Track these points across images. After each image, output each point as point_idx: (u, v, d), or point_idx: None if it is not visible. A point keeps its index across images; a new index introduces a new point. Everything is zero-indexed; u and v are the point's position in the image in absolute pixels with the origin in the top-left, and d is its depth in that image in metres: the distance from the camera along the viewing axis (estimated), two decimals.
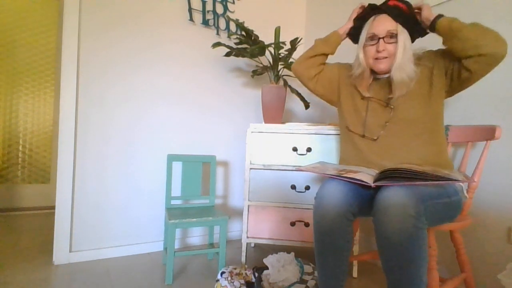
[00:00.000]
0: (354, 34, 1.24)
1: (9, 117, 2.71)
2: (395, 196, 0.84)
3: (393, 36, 1.06)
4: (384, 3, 1.12)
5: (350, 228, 0.99)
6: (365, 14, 1.14)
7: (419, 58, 1.11)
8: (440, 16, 1.02)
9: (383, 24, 1.06)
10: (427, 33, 1.13)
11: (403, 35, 1.06)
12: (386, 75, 1.14)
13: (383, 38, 1.06)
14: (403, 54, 1.05)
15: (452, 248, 1.41)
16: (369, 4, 1.14)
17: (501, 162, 1.29)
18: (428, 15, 1.04)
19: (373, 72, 1.18)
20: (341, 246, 0.98)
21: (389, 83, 1.13)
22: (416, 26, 1.10)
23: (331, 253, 0.99)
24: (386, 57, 1.07)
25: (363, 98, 1.18)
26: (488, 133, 1.19)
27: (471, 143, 1.29)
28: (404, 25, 1.07)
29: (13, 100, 2.72)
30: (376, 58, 1.09)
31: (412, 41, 1.12)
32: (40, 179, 2.84)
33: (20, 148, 2.76)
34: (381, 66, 1.09)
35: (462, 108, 1.42)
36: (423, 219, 0.83)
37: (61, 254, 1.60)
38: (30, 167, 2.80)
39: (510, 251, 1.24)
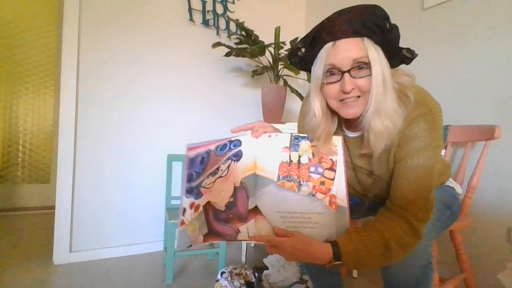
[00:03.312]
0: (303, 58, 0.78)
1: (9, 117, 2.71)
2: None
3: (363, 66, 0.68)
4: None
5: None
6: (316, 37, 0.72)
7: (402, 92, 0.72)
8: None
9: (345, 51, 0.67)
10: (413, 58, 0.71)
11: (379, 61, 0.67)
12: (358, 133, 0.80)
13: (348, 71, 0.68)
14: (383, 90, 0.67)
15: (452, 248, 1.41)
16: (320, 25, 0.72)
17: (501, 162, 1.29)
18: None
19: (338, 124, 0.82)
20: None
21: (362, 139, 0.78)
22: (394, 47, 0.70)
23: (320, 272, 1.00)
24: (358, 96, 0.70)
25: None
26: (488, 133, 1.18)
27: (470, 143, 1.29)
28: (379, 43, 0.68)
29: (13, 100, 2.72)
30: (342, 100, 0.72)
31: (393, 66, 0.72)
32: (40, 179, 2.84)
33: (20, 148, 2.76)
34: (351, 111, 0.72)
35: (462, 108, 1.42)
36: (431, 255, 0.78)
37: (61, 254, 1.60)
38: (30, 167, 2.80)
39: (510, 251, 1.24)
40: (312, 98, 0.77)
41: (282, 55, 1.83)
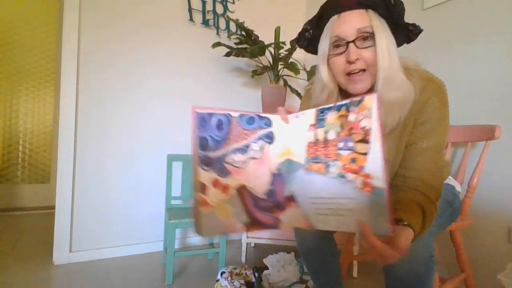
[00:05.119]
0: (311, 40, 0.83)
1: (9, 117, 2.71)
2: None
3: (367, 37, 0.69)
4: None
5: (333, 242, 0.99)
6: (322, 14, 0.76)
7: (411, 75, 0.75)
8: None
9: (350, 21, 0.70)
10: (418, 32, 0.78)
11: (384, 32, 0.69)
12: None
13: (353, 41, 0.70)
14: (388, 59, 0.69)
15: (452, 248, 1.41)
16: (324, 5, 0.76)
17: (501, 162, 1.29)
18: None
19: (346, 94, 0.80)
20: (327, 261, 0.99)
21: None
22: (399, 21, 0.72)
23: (319, 269, 1.00)
24: (363, 70, 0.72)
25: None
26: (488, 133, 1.19)
27: (471, 143, 1.29)
28: (383, 17, 0.71)
29: (13, 100, 2.72)
30: (349, 74, 0.72)
31: (399, 43, 0.77)
32: (40, 179, 2.84)
33: (20, 148, 2.76)
34: (359, 86, 0.73)
35: (462, 108, 1.42)
36: (433, 248, 0.78)
37: (61, 254, 1.60)
38: (30, 167, 2.80)
39: (510, 251, 1.24)
40: (319, 70, 0.78)
41: (282, 55, 1.83)
